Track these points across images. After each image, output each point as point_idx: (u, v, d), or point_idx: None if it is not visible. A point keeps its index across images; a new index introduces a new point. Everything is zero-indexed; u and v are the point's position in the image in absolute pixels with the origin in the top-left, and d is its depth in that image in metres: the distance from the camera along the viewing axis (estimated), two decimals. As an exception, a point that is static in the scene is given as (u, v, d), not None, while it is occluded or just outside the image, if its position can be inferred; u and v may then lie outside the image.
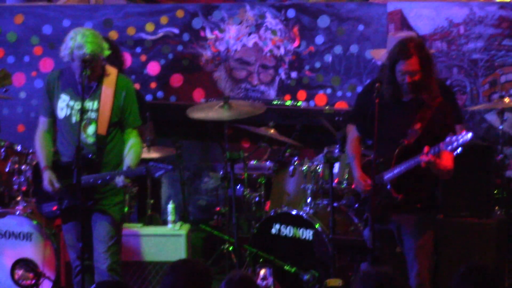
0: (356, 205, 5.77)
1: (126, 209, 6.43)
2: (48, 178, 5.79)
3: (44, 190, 5.83)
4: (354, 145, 5.86)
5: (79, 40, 5.65)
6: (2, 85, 6.75)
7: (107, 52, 5.76)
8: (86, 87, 5.76)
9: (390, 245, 5.73)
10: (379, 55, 7.29)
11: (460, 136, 5.27)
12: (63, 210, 5.81)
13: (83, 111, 5.73)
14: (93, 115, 5.79)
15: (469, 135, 5.25)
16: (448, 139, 5.29)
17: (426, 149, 5.35)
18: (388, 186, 5.51)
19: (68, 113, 5.80)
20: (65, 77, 5.84)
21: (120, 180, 5.65)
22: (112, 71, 5.88)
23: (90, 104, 5.79)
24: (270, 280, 6.08)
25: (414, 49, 5.46)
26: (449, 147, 5.28)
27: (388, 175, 5.51)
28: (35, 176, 6.02)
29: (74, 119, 5.76)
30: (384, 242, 5.63)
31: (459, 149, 5.31)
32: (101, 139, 5.79)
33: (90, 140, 5.79)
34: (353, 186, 5.92)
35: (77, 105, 5.76)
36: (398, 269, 5.52)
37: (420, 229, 5.57)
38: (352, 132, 5.92)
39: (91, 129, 5.79)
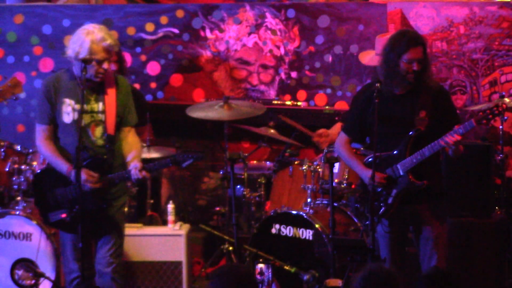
0: (376, 203, 5.75)
1: (125, 209, 6.42)
2: (86, 175, 5.57)
3: (47, 198, 5.74)
4: (347, 148, 5.87)
5: (98, 33, 5.59)
6: (12, 93, 6.67)
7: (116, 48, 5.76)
8: (90, 89, 5.71)
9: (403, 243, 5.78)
10: (366, 58, 7.30)
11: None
12: (73, 217, 5.61)
13: (86, 112, 5.68)
14: (100, 116, 5.73)
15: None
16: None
17: (456, 127, 5.45)
18: (409, 176, 5.55)
19: (76, 116, 5.71)
20: (65, 81, 5.75)
21: (136, 173, 5.56)
22: (108, 70, 5.79)
23: (96, 106, 5.73)
24: (268, 274, 6.07)
25: (421, 38, 5.63)
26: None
27: (405, 166, 5.56)
28: (36, 186, 5.88)
29: (83, 122, 5.64)
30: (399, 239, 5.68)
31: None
32: (111, 139, 5.72)
33: (100, 142, 5.74)
34: (353, 186, 5.90)
35: (84, 108, 5.66)
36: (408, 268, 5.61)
37: (437, 217, 5.65)
38: (340, 136, 5.93)
39: (99, 131, 5.74)
